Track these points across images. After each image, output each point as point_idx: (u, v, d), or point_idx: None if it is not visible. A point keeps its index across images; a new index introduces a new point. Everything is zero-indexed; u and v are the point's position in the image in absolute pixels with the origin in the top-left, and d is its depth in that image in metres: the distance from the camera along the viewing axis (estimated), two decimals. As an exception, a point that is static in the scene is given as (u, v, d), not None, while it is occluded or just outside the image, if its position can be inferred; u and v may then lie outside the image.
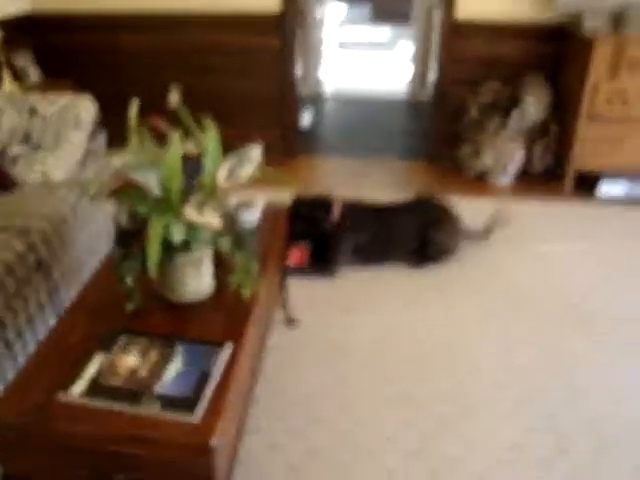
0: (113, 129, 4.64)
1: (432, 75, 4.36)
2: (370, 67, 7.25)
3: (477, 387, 2.41)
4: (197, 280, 1.84)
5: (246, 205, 2.30)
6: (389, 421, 2.24)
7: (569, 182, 3.99)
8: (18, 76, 3.85)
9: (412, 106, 5.87)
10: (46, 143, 2.90)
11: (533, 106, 3.84)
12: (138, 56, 4.41)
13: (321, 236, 3.11)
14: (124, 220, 1.74)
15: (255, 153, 1.94)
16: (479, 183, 4.22)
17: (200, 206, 1.60)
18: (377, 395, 2.36)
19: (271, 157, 4.61)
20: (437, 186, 4.19)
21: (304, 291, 3.02)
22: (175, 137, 1.73)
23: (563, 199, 3.98)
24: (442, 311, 2.89)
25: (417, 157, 4.66)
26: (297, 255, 3.14)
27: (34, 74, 3.96)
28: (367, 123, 5.48)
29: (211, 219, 1.55)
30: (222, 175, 1.83)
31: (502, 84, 4.08)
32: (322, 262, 3.15)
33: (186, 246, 1.72)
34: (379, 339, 2.69)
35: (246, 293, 1.77)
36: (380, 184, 4.22)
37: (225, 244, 1.74)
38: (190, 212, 1.58)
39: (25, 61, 3.91)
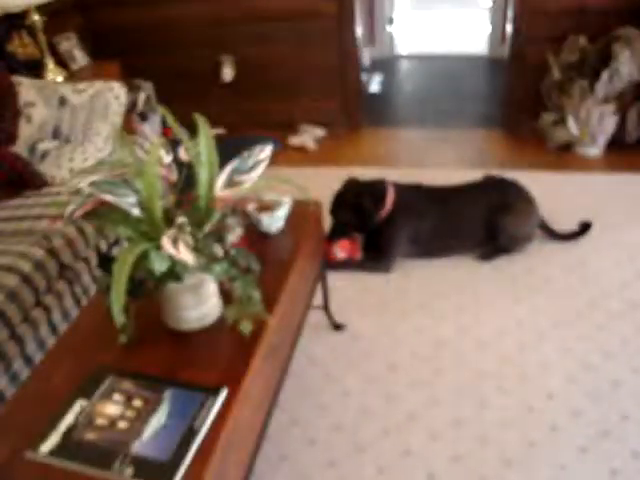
0: (171, 108, 4.47)
1: (510, 28, 3.84)
2: (448, 23, 6.66)
3: (549, 417, 2.05)
4: (198, 307, 1.60)
5: (269, 208, 2.02)
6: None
7: (671, 152, 3.41)
8: (64, 62, 3.71)
9: (492, 63, 5.31)
10: (75, 136, 2.73)
11: (627, 64, 3.27)
12: (188, 30, 4.17)
13: (369, 229, 2.78)
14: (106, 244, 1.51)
15: (264, 155, 1.63)
16: (564, 156, 3.71)
17: (178, 234, 1.33)
18: (434, 423, 2.05)
19: (332, 130, 4.36)
20: (514, 159, 3.72)
21: (354, 289, 2.73)
22: (155, 143, 1.46)
23: (664, 172, 3.43)
24: (514, 315, 2.51)
25: (493, 125, 4.18)
26: (347, 247, 2.84)
27: (81, 58, 3.81)
28: (442, 85, 5.01)
29: (184, 254, 1.27)
30: (220, 184, 1.55)
31: (590, 39, 3.51)
32: (376, 255, 2.83)
33: (174, 274, 1.46)
34: (437, 351, 2.36)
35: (246, 329, 1.49)
36: (451, 160, 3.81)
37: (219, 272, 1.46)
38: (167, 242, 1.31)
39: (70, 45, 3.76)
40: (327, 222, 2.82)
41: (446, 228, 2.78)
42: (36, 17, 3.40)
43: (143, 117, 4.20)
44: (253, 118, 4.35)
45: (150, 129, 4.29)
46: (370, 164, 3.81)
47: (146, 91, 4.27)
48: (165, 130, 4.45)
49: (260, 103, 4.31)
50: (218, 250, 1.52)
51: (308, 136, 4.11)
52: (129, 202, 1.43)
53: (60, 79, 3.57)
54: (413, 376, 2.25)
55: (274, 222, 1.98)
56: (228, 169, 1.58)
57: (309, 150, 4.05)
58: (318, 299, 2.39)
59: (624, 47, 3.25)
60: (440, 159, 3.82)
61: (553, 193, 3.32)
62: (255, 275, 1.53)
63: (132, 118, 4.05)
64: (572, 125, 3.52)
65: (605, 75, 3.32)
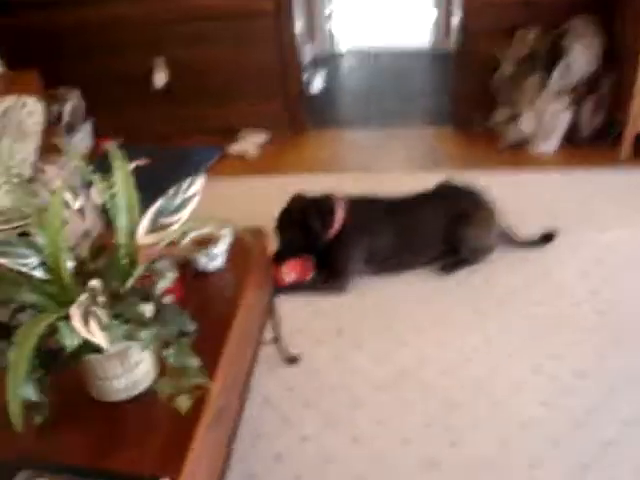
0: (100, 118, 4.16)
1: (456, 20, 3.67)
2: (389, 15, 6.47)
3: (527, 451, 1.87)
4: (126, 374, 1.35)
5: (205, 243, 1.77)
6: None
7: (627, 147, 3.31)
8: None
9: (437, 58, 5.15)
10: (-16, 161, 2.41)
11: (581, 57, 3.14)
12: (118, 31, 3.87)
13: (319, 248, 2.57)
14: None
15: (193, 189, 1.39)
16: (517, 153, 3.58)
17: (90, 305, 1.08)
18: (404, 466, 1.85)
19: (276, 134, 4.11)
20: (467, 158, 3.57)
21: (306, 314, 2.52)
22: (59, 188, 1.20)
23: (621, 168, 3.32)
24: (479, 333, 2.34)
25: (443, 123, 4.01)
26: (297, 269, 2.61)
27: (-4, 66, 3.45)
28: (386, 82, 4.82)
29: (96, 334, 1.03)
30: (142, 231, 1.30)
31: (542, 31, 3.37)
32: (328, 276, 2.62)
33: (92, 347, 1.21)
34: (401, 382, 2.16)
35: (183, 405, 1.25)
36: (400, 161, 3.62)
37: (147, 339, 1.22)
38: (76, 318, 1.06)
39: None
40: (273, 242, 2.60)
41: (402, 243, 2.59)
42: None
43: (70, 129, 3.87)
44: (189, 125, 4.07)
45: (80, 141, 3.97)
46: (315, 170, 3.60)
47: (72, 101, 3.94)
48: (98, 141, 4.13)
49: (196, 109, 4.03)
50: (145, 310, 1.27)
51: (249, 143, 3.86)
52: (29, 264, 1.17)
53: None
54: (377, 413, 2.05)
55: (211, 260, 1.74)
56: (151, 211, 1.34)
57: (250, 158, 3.80)
58: (268, 331, 2.16)
59: (575, 40, 3.12)
60: (389, 161, 3.63)
61: (509, 194, 3.15)
62: (191, 338, 1.29)
63: (56, 132, 3.72)
64: (526, 122, 3.38)
65: (559, 68, 3.19)
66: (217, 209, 3.23)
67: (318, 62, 5.30)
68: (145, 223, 1.32)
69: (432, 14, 5.28)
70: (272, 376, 2.23)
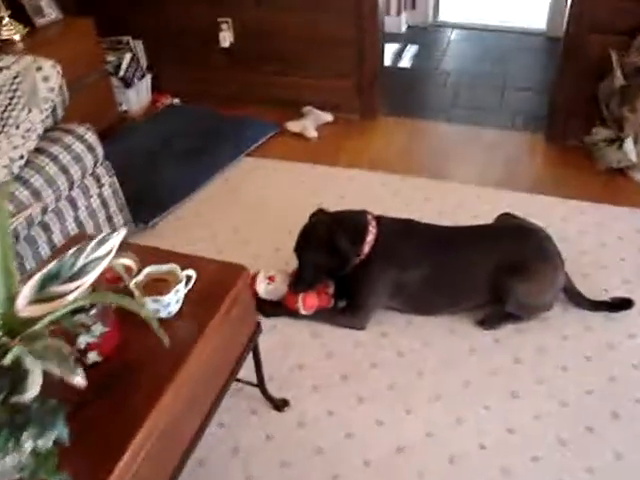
0: (160, 73, 3.90)
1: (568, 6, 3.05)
2: None
3: None
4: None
5: (161, 284, 1.45)
6: None
7: None
8: (28, 15, 3.14)
9: (552, 43, 4.46)
10: (-12, 127, 2.19)
11: None
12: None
13: (345, 272, 2.19)
14: None
15: (105, 249, 1.06)
16: (614, 181, 2.99)
17: None
18: None
19: (342, 116, 3.69)
20: (551, 179, 3.03)
21: (313, 350, 2.18)
22: None
23: None
24: (509, 417, 1.92)
25: (535, 128, 3.45)
26: (314, 303, 2.25)
27: (50, 11, 3.23)
28: (486, 66, 4.23)
29: None
30: (23, 301, 1.00)
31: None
32: (348, 307, 2.25)
33: None
34: (397, 461, 1.80)
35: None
36: (475, 173, 3.13)
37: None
38: None
39: (37, -6, 3.18)
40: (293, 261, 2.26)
41: (439, 282, 2.17)
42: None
43: (126, 83, 3.64)
44: (250, 92, 3.73)
45: (137, 95, 3.73)
46: (377, 167, 3.18)
47: (133, 52, 3.69)
48: (156, 96, 3.88)
49: (259, 75, 3.68)
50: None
51: (311, 121, 3.48)
52: None
53: (17, 37, 3.02)
54: (356, 500, 1.71)
55: (163, 308, 1.42)
56: (36, 278, 1.02)
57: (309, 139, 3.43)
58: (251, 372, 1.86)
59: None
60: (462, 169, 3.15)
61: (593, 231, 2.65)
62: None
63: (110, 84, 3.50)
64: (630, 147, 2.79)
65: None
66: (254, 195, 2.98)
67: (414, 33, 4.76)
68: (27, 292, 1.01)
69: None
70: (250, 421, 1.93)
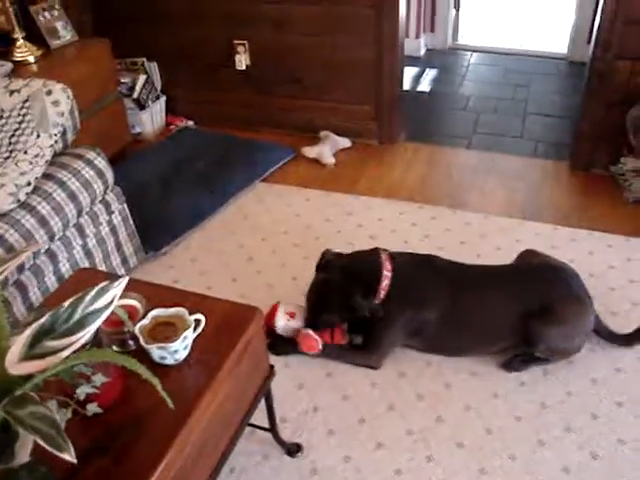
0: (175, 95, 3.84)
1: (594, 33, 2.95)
2: (525, 13, 5.63)
3: None
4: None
5: (168, 329, 1.36)
6: None
7: None
8: (43, 37, 3.10)
9: (573, 68, 4.37)
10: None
11: None
12: (199, 2, 3.47)
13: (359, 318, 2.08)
14: None
15: (104, 301, 0.97)
16: (641, 214, 2.87)
17: None
18: None
19: (360, 141, 3.60)
20: (577, 210, 2.91)
21: (326, 391, 2.06)
22: None
23: None
24: (535, 471, 1.79)
25: (559, 156, 3.34)
26: (326, 339, 2.15)
27: (66, 33, 3.19)
28: (507, 92, 4.14)
29: None
30: (15, 358, 0.91)
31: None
32: (364, 346, 2.15)
33: None
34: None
35: None
36: (499, 201, 3.02)
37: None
38: None
39: (52, 17, 3.13)
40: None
41: (459, 324, 2.06)
42: (1, -19, 2.80)
43: (141, 105, 3.58)
44: (266, 116, 3.66)
45: (151, 118, 3.68)
46: (395, 195, 3.08)
47: (148, 74, 3.64)
48: (170, 119, 3.82)
49: (275, 99, 3.61)
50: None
51: (328, 147, 3.39)
52: None
53: (32, 59, 2.98)
54: None
55: (169, 355, 1.33)
56: (28, 333, 0.93)
57: (325, 165, 3.34)
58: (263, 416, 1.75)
59: None
60: (484, 198, 3.04)
61: (621, 268, 2.52)
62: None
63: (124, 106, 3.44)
64: (660, 178, 2.68)
65: None
66: (268, 222, 2.89)
67: (433, 57, 4.69)
68: (18, 347, 0.92)
69: (574, 14, 4.46)
70: (262, 468, 1.82)
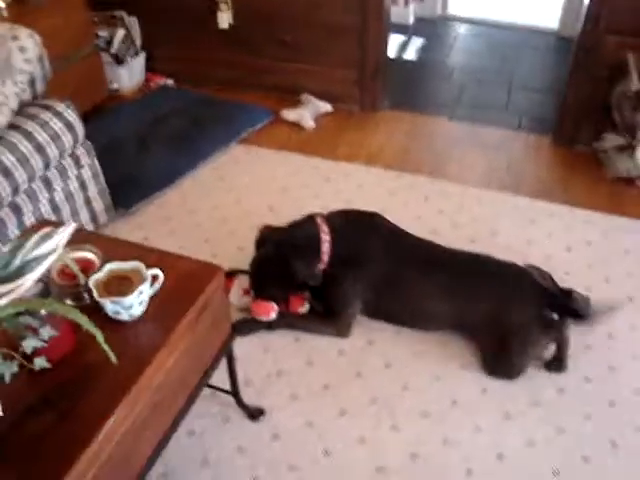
0: (155, 52, 3.73)
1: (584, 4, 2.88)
2: None
3: None
4: None
5: (124, 282, 1.31)
6: None
7: None
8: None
9: (563, 43, 4.30)
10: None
11: None
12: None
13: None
14: None
15: (48, 247, 0.92)
16: (622, 191, 2.85)
17: None
18: None
19: (341, 107, 3.52)
20: (557, 185, 2.88)
21: (293, 358, 2.03)
22: None
23: None
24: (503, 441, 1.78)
25: (542, 131, 3.30)
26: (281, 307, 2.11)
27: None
28: (494, 65, 4.06)
29: None
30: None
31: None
32: (324, 313, 2.11)
33: None
34: (382, 472, 1.67)
35: None
36: (479, 172, 2.99)
37: None
38: None
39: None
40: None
41: (397, 294, 2.06)
42: None
43: (119, 60, 3.47)
44: (247, 76, 3.56)
45: (129, 74, 3.57)
46: (375, 162, 3.03)
47: (127, 28, 3.52)
48: (149, 76, 3.71)
49: (257, 59, 3.51)
50: None
51: (308, 111, 3.32)
52: None
53: (2, 4, 2.85)
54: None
55: (124, 310, 1.28)
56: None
57: (305, 129, 3.27)
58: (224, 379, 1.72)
59: None
60: (464, 168, 3.00)
61: (598, 244, 2.50)
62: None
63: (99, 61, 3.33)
64: (642, 156, 2.65)
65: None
66: (244, 184, 2.83)
67: (421, 26, 4.59)
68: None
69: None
70: (222, 431, 1.79)
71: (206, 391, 1.77)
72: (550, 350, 1.99)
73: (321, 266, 2.01)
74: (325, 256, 2.00)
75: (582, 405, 1.89)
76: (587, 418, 1.85)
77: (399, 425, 1.82)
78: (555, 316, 1.93)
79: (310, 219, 2.07)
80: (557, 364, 1.97)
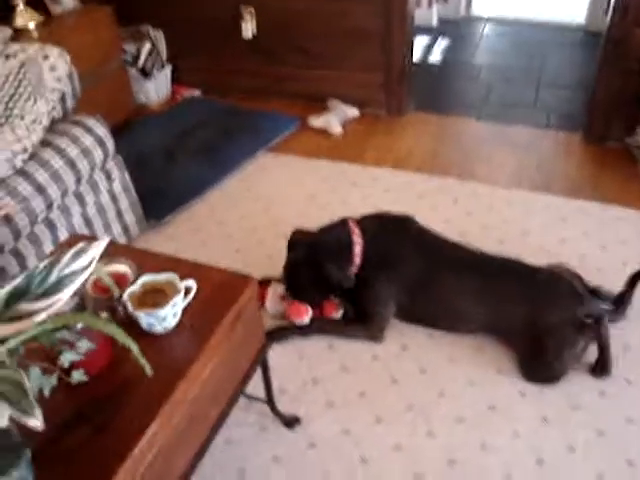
0: (181, 64, 3.78)
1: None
2: None
3: None
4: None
5: (158, 295, 1.32)
6: None
7: None
8: (44, 4, 3.04)
9: (591, 39, 4.24)
10: (-9, 117, 2.08)
11: None
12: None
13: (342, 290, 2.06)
14: None
15: (83, 262, 0.93)
16: (657, 185, 2.79)
17: None
18: None
19: (368, 111, 3.51)
20: (589, 182, 2.83)
21: (327, 364, 2.03)
22: None
23: None
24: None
25: (573, 128, 3.25)
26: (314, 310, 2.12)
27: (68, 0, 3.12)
28: (520, 63, 4.03)
29: None
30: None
31: None
32: (358, 318, 2.10)
33: None
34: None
35: None
36: (509, 172, 2.96)
37: None
38: None
39: (55, -18, 3.07)
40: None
41: (431, 296, 2.04)
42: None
43: (145, 74, 3.52)
44: (273, 84, 3.59)
45: (155, 87, 3.62)
46: (403, 166, 3.01)
47: (153, 42, 3.57)
48: (176, 88, 3.76)
49: (282, 68, 3.54)
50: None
51: (335, 116, 3.32)
52: None
53: (32, 25, 2.92)
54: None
55: (158, 322, 1.29)
56: (3, 294, 0.89)
57: (332, 135, 3.27)
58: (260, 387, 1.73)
59: None
60: (494, 169, 2.97)
61: (634, 242, 2.45)
62: None
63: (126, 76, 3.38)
64: (676, 150, 2.59)
65: None
66: (273, 192, 2.84)
67: (446, 27, 4.56)
68: (-10, 308, 0.88)
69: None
70: (259, 440, 1.79)
71: (242, 400, 1.78)
72: (592, 354, 1.94)
73: (353, 269, 2.00)
74: (357, 258, 2.00)
75: (624, 408, 1.84)
76: (629, 421, 1.81)
77: (435, 431, 1.80)
78: (590, 317, 1.89)
79: (341, 222, 2.07)
80: (601, 368, 1.93)
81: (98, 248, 0.94)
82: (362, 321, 2.07)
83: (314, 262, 1.97)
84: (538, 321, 1.90)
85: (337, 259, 1.98)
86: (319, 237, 2.07)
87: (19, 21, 2.89)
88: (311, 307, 2.07)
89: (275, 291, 2.15)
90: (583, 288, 2.01)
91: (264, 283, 2.18)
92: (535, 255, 2.08)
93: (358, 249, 2.00)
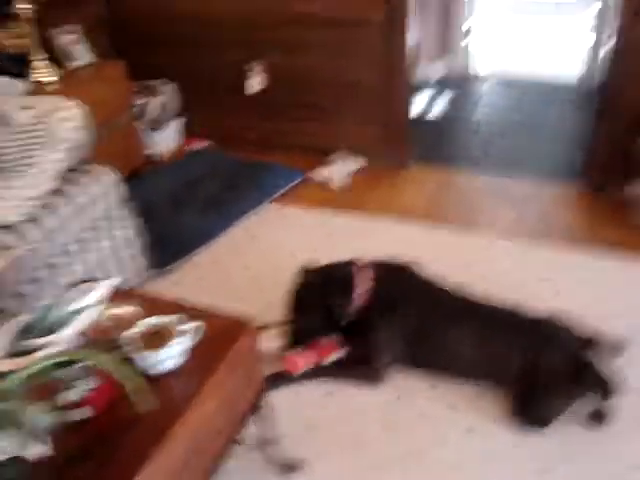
0: (192, 117, 3.90)
1: (604, 53, 2.93)
2: (539, 40, 5.65)
3: None
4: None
5: (160, 337, 1.36)
6: None
7: None
8: (59, 59, 3.18)
9: (585, 95, 4.35)
10: (3, 166, 2.17)
11: None
12: (214, 27, 3.55)
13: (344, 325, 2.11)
14: None
15: (91, 298, 0.98)
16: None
17: None
18: None
19: (370, 164, 3.58)
20: (588, 230, 2.88)
21: (326, 408, 2.04)
22: None
23: None
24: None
25: (570, 179, 3.32)
26: (313, 355, 2.14)
27: (83, 55, 3.27)
28: (519, 118, 4.13)
29: None
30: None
31: None
32: (360, 358, 2.13)
33: None
34: None
35: None
36: (509, 222, 3.01)
37: None
38: None
39: (70, 40, 3.22)
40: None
41: (430, 343, 2.08)
42: (22, 4, 2.89)
43: (156, 125, 3.64)
44: (280, 138, 3.70)
45: (164, 139, 3.73)
46: (404, 218, 3.07)
47: (164, 95, 3.70)
48: (187, 139, 3.87)
49: (288, 121, 3.65)
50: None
51: (338, 169, 3.40)
52: None
53: (48, 79, 3.05)
54: None
55: (160, 362, 1.33)
56: (11, 328, 0.94)
57: (335, 187, 3.35)
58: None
59: None
60: (494, 219, 3.04)
61: (631, 292, 2.48)
62: None
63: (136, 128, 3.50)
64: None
65: None
66: (275, 243, 2.89)
67: (447, 83, 4.71)
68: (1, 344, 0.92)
69: (587, 42, 4.45)
70: None
71: (240, 444, 1.78)
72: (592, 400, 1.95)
73: (353, 307, 2.07)
74: (358, 299, 2.07)
75: (628, 457, 1.84)
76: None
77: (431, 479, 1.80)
78: (588, 365, 1.92)
79: (349, 262, 2.17)
80: (597, 415, 1.93)
81: (101, 290, 0.99)
82: (362, 364, 2.09)
83: (316, 289, 2.08)
84: (534, 367, 1.92)
85: (338, 289, 2.07)
86: (323, 270, 2.17)
87: (36, 75, 3.01)
88: (310, 344, 2.09)
89: (271, 336, 2.19)
90: (581, 337, 2.04)
91: (263, 328, 2.21)
92: (534, 304, 2.11)
93: (361, 290, 2.06)
